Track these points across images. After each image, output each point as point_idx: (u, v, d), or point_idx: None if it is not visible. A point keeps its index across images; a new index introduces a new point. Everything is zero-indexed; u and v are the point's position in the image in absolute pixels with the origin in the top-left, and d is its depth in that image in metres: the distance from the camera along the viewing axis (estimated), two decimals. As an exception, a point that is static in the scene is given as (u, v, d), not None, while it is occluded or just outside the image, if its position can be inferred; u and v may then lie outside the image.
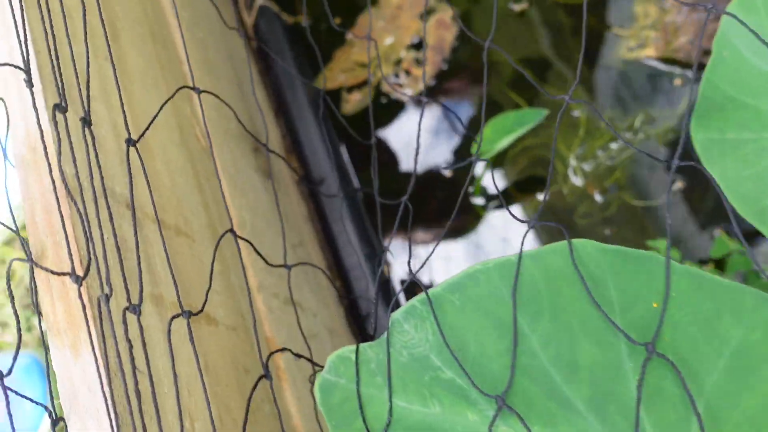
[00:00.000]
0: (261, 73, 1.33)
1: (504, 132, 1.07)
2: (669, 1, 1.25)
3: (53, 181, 0.49)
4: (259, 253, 0.65)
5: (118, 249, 0.50)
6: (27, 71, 0.42)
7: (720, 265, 1.08)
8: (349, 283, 1.18)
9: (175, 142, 0.76)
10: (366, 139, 1.01)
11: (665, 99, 1.22)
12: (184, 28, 0.96)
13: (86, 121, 0.43)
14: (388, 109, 1.32)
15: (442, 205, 1.23)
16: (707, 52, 1.20)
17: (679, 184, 1.15)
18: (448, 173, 1.24)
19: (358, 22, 1.38)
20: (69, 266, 0.45)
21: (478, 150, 0.56)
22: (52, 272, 0.45)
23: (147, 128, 0.50)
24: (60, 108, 0.43)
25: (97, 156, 0.46)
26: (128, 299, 0.48)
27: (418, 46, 1.34)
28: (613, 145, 1.19)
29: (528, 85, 1.29)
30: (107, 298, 0.41)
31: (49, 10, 0.51)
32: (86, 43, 0.51)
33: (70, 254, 0.44)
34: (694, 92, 0.71)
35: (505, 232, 1.21)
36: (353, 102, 1.32)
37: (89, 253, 0.43)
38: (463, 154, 1.26)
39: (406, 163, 1.30)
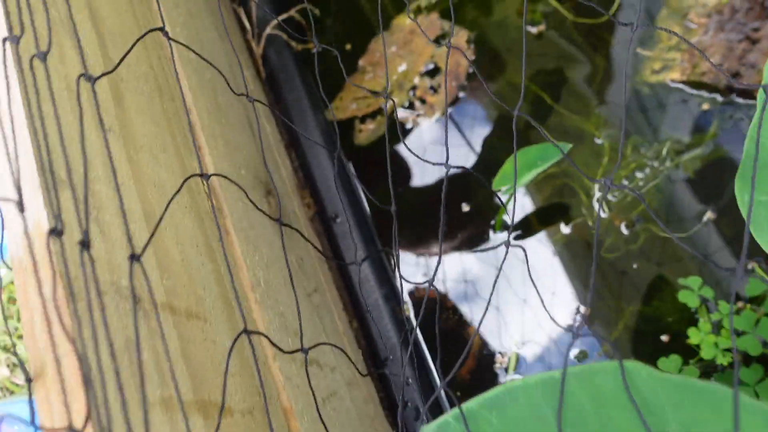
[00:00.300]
0: (271, 104, 1.29)
1: (527, 167, 1.02)
2: (695, 21, 1.20)
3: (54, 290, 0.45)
4: (275, 344, 0.61)
5: (113, 354, 0.47)
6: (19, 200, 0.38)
7: (757, 302, 1.03)
8: (367, 324, 1.14)
9: (184, 206, 0.72)
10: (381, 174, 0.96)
11: (693, 124, 1.16)
12: (192, 72, 0.92)
13: (84, 244, 0.39)
14: (403, 131, 1.28)
15: (462, 243, 1.19)
16: (735, 75, 1.15)
17: (710, 215, 1.10)
18: (466, 207, 1.19)
19: (369, 48, 1.33)
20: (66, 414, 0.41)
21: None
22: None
23: (155, 229, 0.46)
24: (56, 232, 0.39)
25: (93, 267, 0.42)
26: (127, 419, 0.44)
27: (433, 72, 1.29)
28: (639, 174, 1.15)
29: (548, 112, 1.24)
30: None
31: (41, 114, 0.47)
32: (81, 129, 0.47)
33: (66, 404, 0.40)
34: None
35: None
36: (366, 132, 1.28)
37: (89, 401, 0.39)
38: (476, 169, 1.21)
39: (419, 179, 1.25)
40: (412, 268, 1.20)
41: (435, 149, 1.25)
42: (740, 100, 1.15)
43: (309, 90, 1.28)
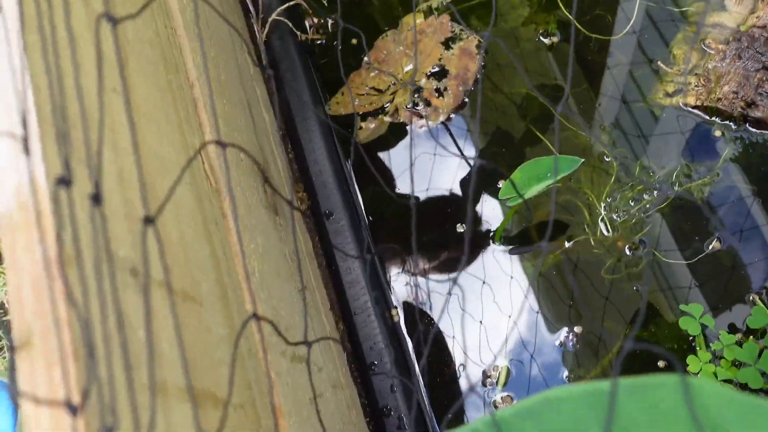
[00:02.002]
0: (270, 93, 1.24)
1: (536, 179, 0.98)
2: (713, 46, 1.18)
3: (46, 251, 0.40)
4: (280, 333, 0.56)
5: (120, 325, 0.42)
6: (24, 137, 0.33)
7: (758, 334, 1.00)
8: (353, 327, 1.09)
9: (185, 181, 0.67)
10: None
11: (704, 150, 1.14)
12: (197, 47, 0.87)
13: (96, 199, 0.34)
14: (400, 133, 1.24)
15: (454, 260, 1.15)
16: (750, 104, 1.13)
17: (716, 244, 1.07)
18: (461, 228, 1.15)
19: (376, 46, 1.29)
20: (61, 381, 0.36)
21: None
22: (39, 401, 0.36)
23: (165, 201, 0.41)
24: (64, 182, 0.34)
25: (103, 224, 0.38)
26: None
27: (440, 74, 1.25)
28: (647, 196, 1.12)
29: (553, 123, 1.21)
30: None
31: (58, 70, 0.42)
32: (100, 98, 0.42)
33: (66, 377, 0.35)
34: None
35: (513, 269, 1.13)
36: (367, 130, 1.24)
37: (89, 375, 0.34)
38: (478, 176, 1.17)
39: (416, 184, 1.21)
40: (404, 276, 1.15)
41: (440, 151, 1.21)
42: (754, 130, 1.13)
43: (310, 82, 1.24)
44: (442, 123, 1.22)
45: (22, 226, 0.42)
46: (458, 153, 1.19)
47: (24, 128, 0.34)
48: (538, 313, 1.09)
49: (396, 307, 1.12)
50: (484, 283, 1.11)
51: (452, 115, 1.22)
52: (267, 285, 0.80)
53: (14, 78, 0.35)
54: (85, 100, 0.40)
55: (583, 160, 1.00)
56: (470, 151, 1.21)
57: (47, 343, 0.40)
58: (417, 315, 1.11)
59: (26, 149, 0.34)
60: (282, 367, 0.73)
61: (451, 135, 1.22)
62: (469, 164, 1.16)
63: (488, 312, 1.10)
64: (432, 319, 1.12)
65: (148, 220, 0.37)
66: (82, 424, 0.33)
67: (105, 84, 0.49)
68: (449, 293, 1.11)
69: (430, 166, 1.20)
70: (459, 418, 1.06)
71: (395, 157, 1.22)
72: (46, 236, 0.36)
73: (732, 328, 1.03)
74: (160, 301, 0.52)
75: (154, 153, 0.61)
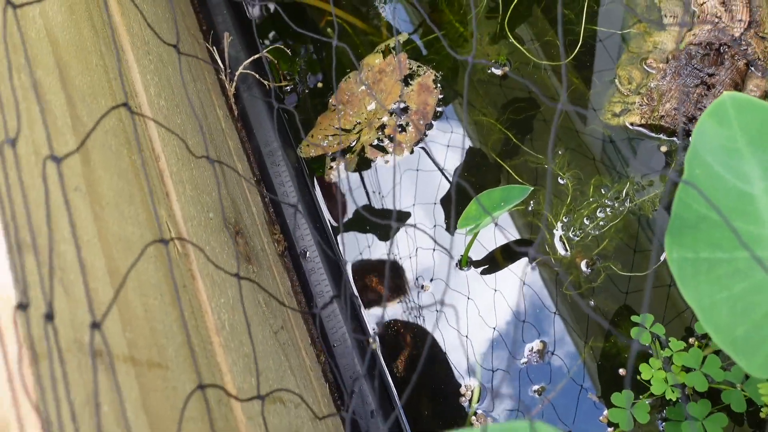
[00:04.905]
0: (242, 141, 1.32)
1: (491, 208, 1.06)
2: (654, 66, 1.25)
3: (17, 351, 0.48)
4: (230, 394, 0.64)
5: (73, 416, 0.50)
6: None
7: (708, 338, 1.07)
8: (334, 357, 1.17)
9: (149, 255, 0.75)
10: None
11: (652, 166, 1.21)
12: (162, 119, 0.95)
13: (50, 318, 0.42)
14: (368, 169, 1.31)
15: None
16: (691, 119, 1.20)
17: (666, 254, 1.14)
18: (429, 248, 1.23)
19: (340, 88, 1.37)
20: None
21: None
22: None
23: (115, 297, 0.49)
24: (22, 307, 0.42)
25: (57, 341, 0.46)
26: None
27: (401, 111, 1.33)
28: (600, 214, 1.19)
29: (515, 150, 1.28)
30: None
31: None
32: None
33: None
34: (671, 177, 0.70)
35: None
36: (336, 169, 1.32)
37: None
38: (443, 203, 1.25)
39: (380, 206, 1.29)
40: (378, 306, 1.23)
41: (404, 183, 1.29)
42: (694, 144, 1.20)
43: (280, 128, 1.32)
44: (409, 154, 1.30)
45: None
46: (434, 174, 1.26)
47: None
48: (504, 331, 1.16)
49: (372, 337, 1.20)
50: (459, 302, 1.19)
51: (415, 148, 1.30)
52: (238, 335, 0.88)
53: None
54: (34, 223, 0.48)
55: (532, 188, 1.08)
56: (434, 184, 1.29)
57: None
58: (392, 341, 1.19)
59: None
60: (253, 411, 0.81)
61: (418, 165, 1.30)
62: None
63: (457, 333, 1.17)
64: (406, 342, 1.19)
65: (96, 325, 0.45)
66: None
67: (60, 193, 0.57)
68: (420, 315, 1.19)
69: (399, 197, 1.28)
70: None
71: (363, 191, 1.30)
72: (10, 350, 0.44)
73: (689, 333, 1.11)
74: (125, 374, 0.60)
75: (116, 237, 0.69)
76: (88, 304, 0.53)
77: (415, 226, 1.17)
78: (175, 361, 0.70)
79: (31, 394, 0.48)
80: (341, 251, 1.26)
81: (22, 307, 0.42)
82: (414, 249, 1.24)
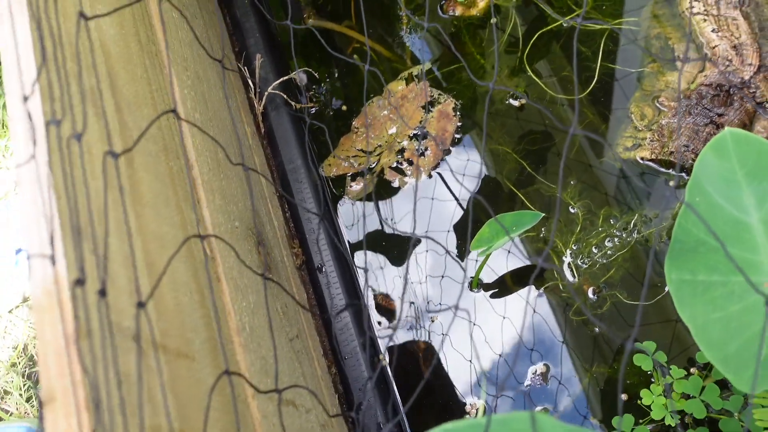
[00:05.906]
0: (267, 158, 1.38)
1: (502, 232, 1.10)
2: (665, 104, 1.30)
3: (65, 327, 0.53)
4: (251, 384, 0.68)
5: (120, 384, 0.54)
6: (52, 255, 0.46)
7: (709, 368, 1.11)
8: (343, 370, 1.21)
9: (180, 256, 0.80)
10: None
11: (661, 200, 1.26)
12: (196, 130, 1.01)
13: (102, 293, 0.47)
14: (387, 190, 1.37)
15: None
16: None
17: (669, 286, 1.18)
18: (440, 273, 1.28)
19: (363, 110, 1.43)
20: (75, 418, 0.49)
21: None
22: None
23: (157, 283, 0.54)
24: (80, 283, 0.47)
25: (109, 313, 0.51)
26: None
27: (421, 136, 1.39)
28: (609, 243, 1.23)
29: (529, 179, 1.33)
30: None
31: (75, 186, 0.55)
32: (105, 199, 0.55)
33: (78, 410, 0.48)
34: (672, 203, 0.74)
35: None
36: (356, 189, 1.37)
37: (96, 422, 0.46)
38: (456, 227, 1.30)
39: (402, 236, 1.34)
40: (388, 325, 1.28)
41: (420, 208, 1.34)
42: (702, 180, 1.24)
43: (303, 147, 1.37)
44: (427, 178, 1.35)
45: (50, 312, 0.55)
46: (450, 197, 1.31)
47: (51, 247, 0.47)
48: (510, 352, 1.20)
49: (382, 353, 1.24)
50: (464, 323, 1.23)
51: (432, 172, 1.35)
52: (257, 338, 0.93)
53: (44, 208, 0.48)
54: (94, 217, 0.53)
55: (543, 214, 1.13)
56: (450, 207, 1.34)
57: (66, 399, 0.53)
58: (401, 358, 1.23)
59: (53, 261, 0.47)
60: (268, 410, 0.86)
61: (435, 188, 1.35)
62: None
63: (464, 353, 1.22)
64: (417, 361, 1.23)
65: (141, 304, 0.50)
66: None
67: (112, 192, 0.62)
68: (428, 333, 1.23)
69: (415, 219, 1.33)
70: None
71: (384, 211, 1.35)
72: (68, 321, 0.49)
73: (691, 363, 1.14)
74: (154, 360, 0.64)
75: (153, 235, 0.74)
76: (134, 291, 0.58)
77: (434, 240, 1.21)
78: (200, 354, 0.75)
79: (84, 364, 0.52)
80: (364, 262, 1.31)
81: (80, 282, 0.47)
82: (424, 276, 1.29)
